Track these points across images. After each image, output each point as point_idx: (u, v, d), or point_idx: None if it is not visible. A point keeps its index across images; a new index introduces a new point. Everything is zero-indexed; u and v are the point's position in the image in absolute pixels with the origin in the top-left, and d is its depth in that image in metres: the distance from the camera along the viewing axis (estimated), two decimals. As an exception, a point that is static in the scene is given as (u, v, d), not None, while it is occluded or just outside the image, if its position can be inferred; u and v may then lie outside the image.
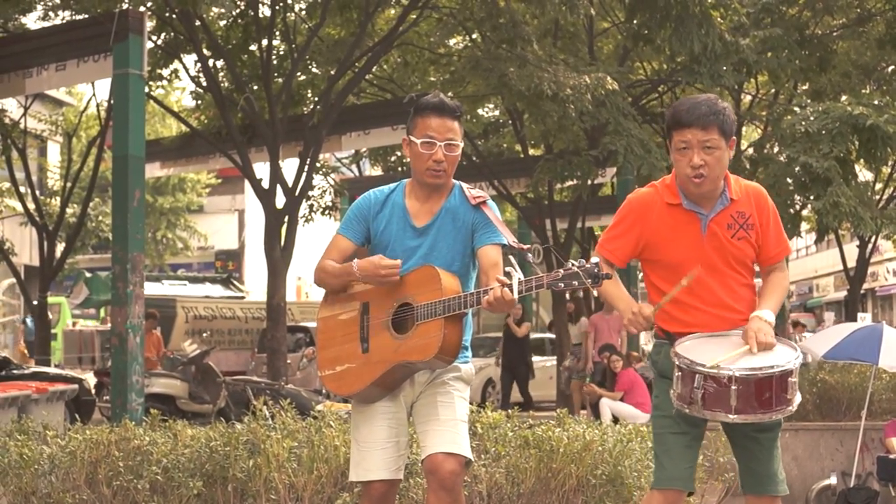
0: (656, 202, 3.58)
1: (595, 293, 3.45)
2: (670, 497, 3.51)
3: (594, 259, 3.22)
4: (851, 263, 20.80)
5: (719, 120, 3.44)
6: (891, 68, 15.85)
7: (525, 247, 3.40)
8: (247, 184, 16.90)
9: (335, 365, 3.62)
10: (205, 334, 17.43)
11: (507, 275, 3.27)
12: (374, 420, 3.59)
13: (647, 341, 18.31)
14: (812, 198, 11.59)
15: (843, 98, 14.23)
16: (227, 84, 14.62)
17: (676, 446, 3.51)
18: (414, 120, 3.61)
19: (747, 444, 3.55)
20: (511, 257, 3.46)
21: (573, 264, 3.20)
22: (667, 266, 3.57)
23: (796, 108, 12.63)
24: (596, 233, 21.47)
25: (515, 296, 3.23)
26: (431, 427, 3.51)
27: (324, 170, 18.34)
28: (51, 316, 25.65)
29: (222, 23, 14.76)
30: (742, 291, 3.58)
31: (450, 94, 16.56)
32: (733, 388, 3.26)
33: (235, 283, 25.06)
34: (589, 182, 14.94)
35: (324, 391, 11.10)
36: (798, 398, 3.37)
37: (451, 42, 16.32)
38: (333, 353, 3.64)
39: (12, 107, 17.74)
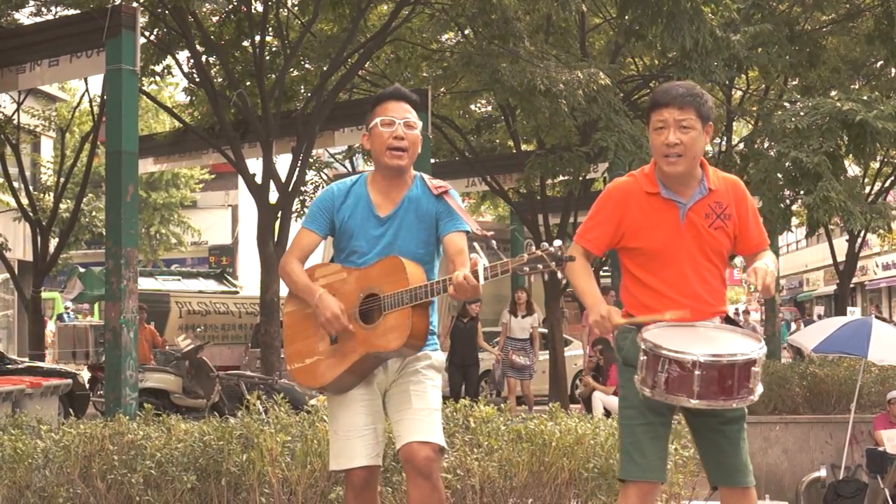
0: (635, 191, 3.61)
1: (578, 286, 3.49)
2: (644, 489, 3.51)
3: (556, 242, 3.29)
4: (841, 258, 20.90)
5: (696, 102, 3.50)
6: (879, 64, 15.93)
7: (489, 234, 3.47)
8: (240, 179, 16.90)
9: (304, 358, 3.67)
10: (198, 329, 17.44)
11: (474, 262, 3.36)
12: (352, 408, 3.64)
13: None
14: (802, 192, 11.65)
15: (833, 93, 14.30)
16: (220, 80, 14.63)
17: (644, 437, 3.51)
18: (372, 111, 3.71)
19: (713, 438, 3.57)
20: (476, 244, 3.54)
21: (536, 248, 3.27)
22: (644, 254, 3.60)
23: (786, 104, 12.68)
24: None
25: (481, 282, 3.30)
26: (405, 416, 3.57)
27: (317, 165, 18.36)
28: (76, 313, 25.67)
29: (215, 19, 14.75)
30: (715, 283, 3.61)
31: (442, 89, 16.61)
32: (697, 373, 3.28)
33: (229, 278, 25.03)
34: (581, 177, 14.96)
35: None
36: (760, 388, 3.40)
37: (444, 38, 16.33)
38: (302, 346, 3.69)
39: (5, 102, 17.72)
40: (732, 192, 3.64)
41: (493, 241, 3.57)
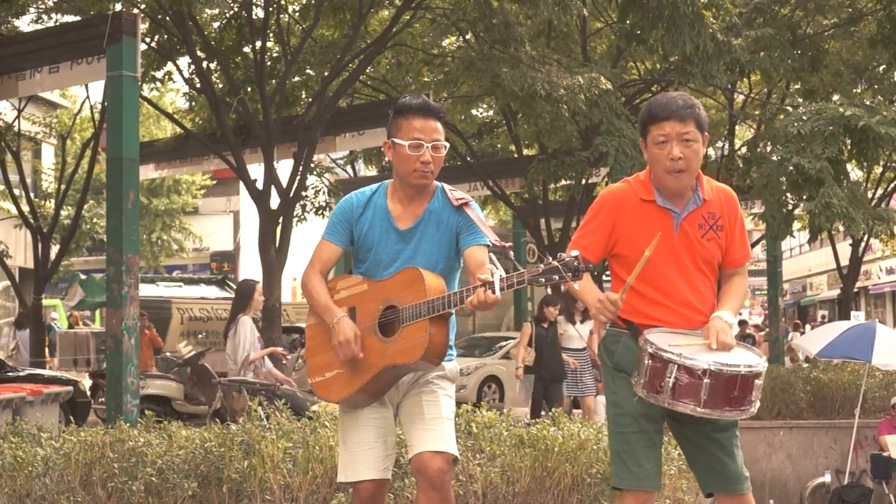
0: (630, 197, 3.58)
1: (577, 286, 3.45)
2: (641, 498, 3.48)
3: (574, 252, 3.21)
4: (845, 262, 20.88)
5: (695, 113, 3.48)
6: (882, 67, 15.93)
7: (507, 245, 3.42)
8: (241, 185, 16.91)
9: (324, 371, 3.64)
10: (200, 335, 17.43)
11: (489, 273, 3.29)
12: (362, 421, 3.61)
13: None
14: (804, 198, 11.64)
15: (835, 98, 14.28)
16: (220, 85, 14.63)
17: (639, 445, 3.48)
18: (396, 122, 3.58)
19: (706, 445, 3.53)
20: (492, 255, 3.45)
21: (553, 258, 3.21)
22: (636, 262, 3.55)
23: (789, 108, 12.66)
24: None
25: (498, 294, 3.23)
26: (417, 426, 3.53)
27: (318, 170, 18.35)
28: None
29: (216, 24, 14.77)
30: (706, 293, 3.58)
31: (444, 94, 16.62)
32: (706, 381, 3.25)
33: (231, 284, 25.04)
34: (583, 181, 14.96)
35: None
36: (757, 404, 3.37)
37: (445, 43, 16.35)
38: (322, 359, 3.65)
39: (6, 109, 17.73)
40: (725, 203, 3.61)
41: (511, 252, 3.45)
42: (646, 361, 3.35)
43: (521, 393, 11.31)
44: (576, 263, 3.16)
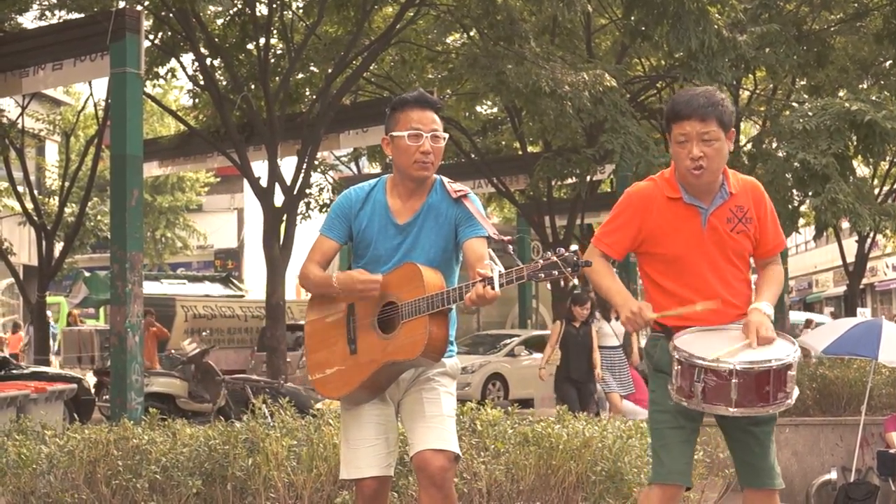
0: (656, 196, 3.57)
1: (602, 283, 3.41)
2: (669, 492, 3.50)
3: (573, 247, 3.22)
4: (851, 258, 20.85)
5: (717, 111, 3.43)
6: (888, 63, 15.89)
7: (506, 238, 3.39)
8: (245, 182, 16.92)
9: (324, 368, 3.62)
10: (204, 333, 17.44)
11: (488, 268, 3.28)
12: (363, 419, 3.59)
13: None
14: (810, 194, 11.62)
15: (841, 93, 14.26)
16: (224, 83, 14.63)
17: (674, 441, 3.50)
18: (394, 116, 3.57)
19: (743, 438, 3.55)
20: (491, 251, 3.44)
21: (552, 254, 3.20)
22: (665, 260, 3.56)
23: (794, 104, 12.64)
24: (595, 229, 21.50)
25: (497, 290, 3.23)
26: (418, 424, 3.51)
27: (322, 168, 18.36)
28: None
29: (219, 21, 14.77)
30: (739, 286, 3.57)
31: (448, 91, 16.61)
32: (734, 381, 3.25)
33: (234, 281, 25.07)
34: (588, 179, 14.94)
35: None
36: (796, 392, 3.37)
37: (449, 39, 16.34)
38: (322, 356, 3.64)
39: (10, 106, 17.74)
40: (752, 195, 3.60)
41: (511, 247, 3.44)
42: (675, 367, 3.37)
43: (549, 394, 10.94)
44: (574, 259, 3.15)
